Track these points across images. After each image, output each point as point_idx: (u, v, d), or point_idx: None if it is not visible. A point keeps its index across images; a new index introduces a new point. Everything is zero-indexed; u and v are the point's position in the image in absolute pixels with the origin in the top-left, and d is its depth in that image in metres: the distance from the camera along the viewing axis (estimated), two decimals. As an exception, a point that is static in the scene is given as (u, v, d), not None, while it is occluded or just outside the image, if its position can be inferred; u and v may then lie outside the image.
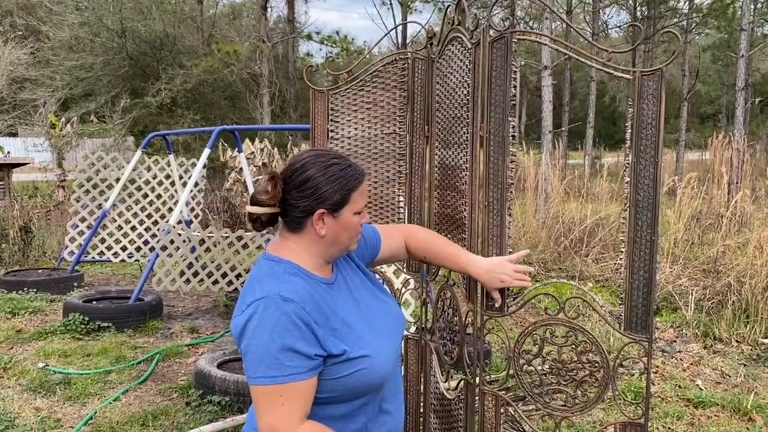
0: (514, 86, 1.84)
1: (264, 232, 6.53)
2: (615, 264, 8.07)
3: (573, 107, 25.47)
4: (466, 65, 2.01)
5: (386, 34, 2.63)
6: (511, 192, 1.88)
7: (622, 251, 1.72)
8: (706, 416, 4.07)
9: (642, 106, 1.65)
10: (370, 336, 1.52)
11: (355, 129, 2.42)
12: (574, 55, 1.72)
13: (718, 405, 4.19)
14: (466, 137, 2.02)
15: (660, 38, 18.55)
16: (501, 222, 1.90)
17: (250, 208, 1.51)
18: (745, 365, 4.92)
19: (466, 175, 2.02)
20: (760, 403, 4.15)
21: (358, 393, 1.48)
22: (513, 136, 1.85)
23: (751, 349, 5.26)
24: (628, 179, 1.70)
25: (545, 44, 1.92)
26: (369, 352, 1.48)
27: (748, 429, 3.87)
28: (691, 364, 4.98)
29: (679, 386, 4.49)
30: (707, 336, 5.54)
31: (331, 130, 2.43)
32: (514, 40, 1.83)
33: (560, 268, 8.05)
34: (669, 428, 3.83)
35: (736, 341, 5.45)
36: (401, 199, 2.41)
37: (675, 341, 5.55)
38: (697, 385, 4.55)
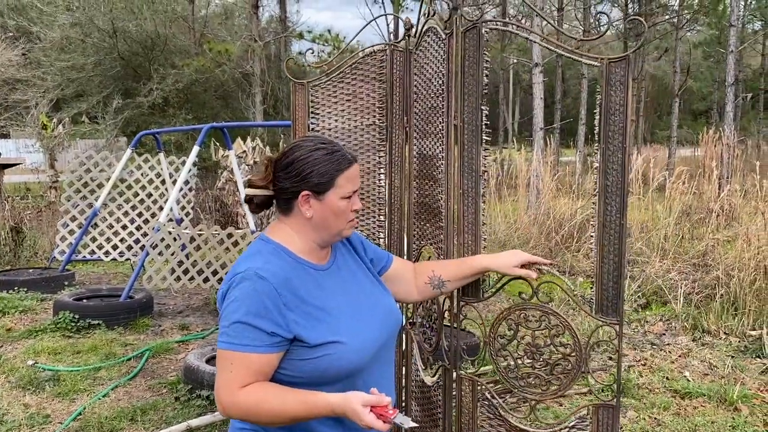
0: (486, 75, 1.87)
1: (255, 229, 6.55)
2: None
3: (565, 104, 25.51)
4: (441, 55, 2.04)
5: (366, 25, 2.65)
6: (485, 179, 1.91)
7: (592, 236, 1.75)
8: (692, 406, 4.11)
9: (610, 92, 1.68)
10: (352, 323, 1.54)
11: (336, 121, 2.44)
12: (542, 44, 1.75)
13: (704, 395, 4.23)
14: (442, 127, 2.04)
15: (653, 35, 18.61)
16: (476, 209, 1.93)
17: (245, 190, 1.62)
18: (732, 357, 4.96)
19: (442, 164, 2.05)
20: (746, 393, 4.19)
21: (329, 378, 1.50)
22: (486, 124, 1.88)
23: (739, 341, 5.31)
24: (598, 165, 1.73)
25: (513, 32, 1.93)
26: (343, 338, 1.50)
27: (733, 419, 3.91)
28: (680, 356, 5.02)
29: (667, 378, 4.53)
30: (696, 329, 5.58)
31: (312, 123, 2.45)
32: (485, 29, 1.86)
33: (551, 264, 8.09)
34: (655, 418, 3.87)
35: (725, 333, 5.49)
36: (383, 189, 2.43)
37: (664, 334, 5.59)
38: (685, 376, 4.59)
